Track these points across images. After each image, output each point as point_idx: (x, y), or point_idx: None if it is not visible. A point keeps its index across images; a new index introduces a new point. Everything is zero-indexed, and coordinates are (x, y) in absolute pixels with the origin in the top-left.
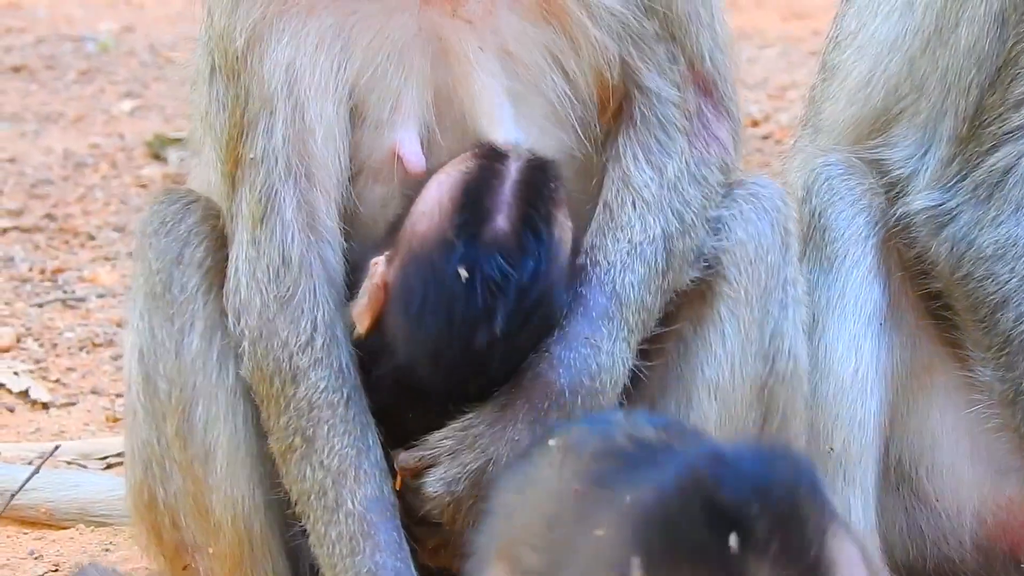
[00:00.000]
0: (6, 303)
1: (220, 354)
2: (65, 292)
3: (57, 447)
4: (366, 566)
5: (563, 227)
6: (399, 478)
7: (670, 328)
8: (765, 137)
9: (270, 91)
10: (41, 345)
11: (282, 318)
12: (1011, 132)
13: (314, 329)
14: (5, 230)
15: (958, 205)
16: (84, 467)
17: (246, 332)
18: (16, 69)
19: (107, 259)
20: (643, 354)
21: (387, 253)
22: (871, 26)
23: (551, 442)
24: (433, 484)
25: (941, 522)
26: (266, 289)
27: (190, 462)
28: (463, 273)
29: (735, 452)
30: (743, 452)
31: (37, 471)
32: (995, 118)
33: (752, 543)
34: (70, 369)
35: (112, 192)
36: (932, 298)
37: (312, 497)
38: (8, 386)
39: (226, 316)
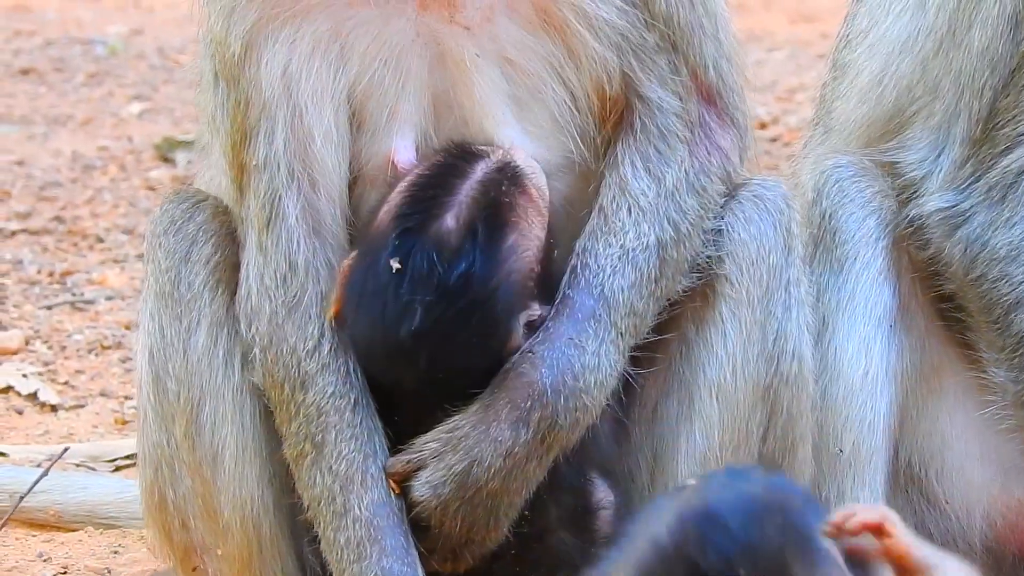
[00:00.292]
0: (15, 305)
1: (226, 352)
2: (74, 294)
3: (66, 449)
4: (372, 571)
5: (524, 235)
6: (390, 483)
7: (670, 335)
8: (773, 139)
9: (268, 96)
10: (50, 347)
11: (290, 324)
12: None
13: (321, 335)
14: (14, 232)
15: (972, 206)
16: (93, 469)
17: (257, 339)
18: (25, 72)
19: (116, 261)
20: (642, 360)
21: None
22: (883, 25)
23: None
24: (420, 488)
25: (951, 524)
26: (274, 295)
27: (199, 463)
28: (395, 265)
29: (728, 507)
30: (735, 507)
31: (46, 473)
32: (1009, 120)
33: None
34: (79, 371)
35: (121, 195)
36: (943, 300)
37: (322, 503)
38: (17, 388)
39: (232, 313)
